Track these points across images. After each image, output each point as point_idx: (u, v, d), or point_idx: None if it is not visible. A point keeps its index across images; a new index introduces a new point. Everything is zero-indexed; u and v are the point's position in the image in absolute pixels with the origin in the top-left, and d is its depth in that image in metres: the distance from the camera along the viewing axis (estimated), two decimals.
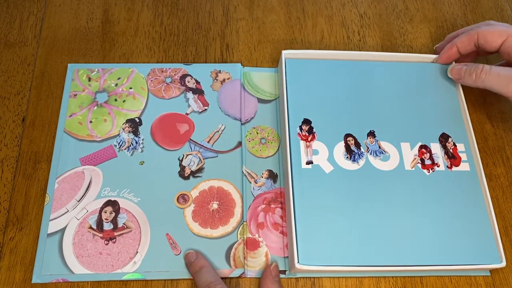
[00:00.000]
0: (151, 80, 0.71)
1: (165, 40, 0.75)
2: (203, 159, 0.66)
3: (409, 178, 0.63)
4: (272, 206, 0.63)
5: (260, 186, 0.65)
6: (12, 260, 0.59)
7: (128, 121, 0.68)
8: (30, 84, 0.70)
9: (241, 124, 0.69)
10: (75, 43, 0.74)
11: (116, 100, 0.69)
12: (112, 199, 0.63)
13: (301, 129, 0.64)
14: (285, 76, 0.67)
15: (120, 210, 0.62)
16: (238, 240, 0.61)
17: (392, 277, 0.60)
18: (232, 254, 0.60)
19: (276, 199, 0.64)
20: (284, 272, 0.60)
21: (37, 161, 0.65)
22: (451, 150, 0.65)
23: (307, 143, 0.64)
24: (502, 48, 0.63)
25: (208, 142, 0.67)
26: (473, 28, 0.65)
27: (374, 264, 0.57)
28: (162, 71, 0.72)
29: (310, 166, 0.62)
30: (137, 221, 0.61)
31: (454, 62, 0.69)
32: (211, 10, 0.78)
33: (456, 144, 0.65)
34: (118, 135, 0.67)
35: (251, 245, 0.61)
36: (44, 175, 0.64)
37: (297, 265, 0.56)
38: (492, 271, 0.61)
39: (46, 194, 0.62)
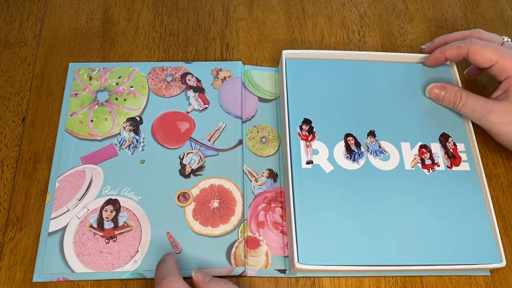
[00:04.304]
0: (152, 79, 0.70)
1: (165, 40, 0.74)
2: (204, 157, 0.65)
3: (409, 177, 0.62)
4: (273, 205, 0.63)
5: (261, 185, 0.64)
6: (12, 260, 0.58)
7: (128, 119, 0.67)
8: (30, 84, 0.69)
9: (242, 122, 0.68)
10: (75, 43, 0.73)
11: (117, 99, 0.68)
12: (113, 197, 0.62)
13: (301, 129, 0.64)
14: (286, 76, 0.67)
15: (121, 209, 0.61)
16: (239, 239, 0.60)
17: (392, 277, 0.59)
18: (233, 252, 0.59)
19: (277, 198, 0.63)
20: (284, 271, 0.59)
21: (37, 161, 0.64)
22: (451, 150, 0.64)
23: (307, 142, 0.63)
24: (489, 70, 0.63)
25: (208, 140, 0.66)
26: (465, 39, 0.64)
27: (374, 264, 0.56)
28: (163, 70, 0.71)
29: (310, 165, 0.61)
30: (138, 219, 0.60)
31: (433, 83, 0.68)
32: (211, 10, 0.77)
33: (456, 144, 0.64)
34: (119, 133, 0.66)
35: (252, 243, 0.60)
36: (44, 175, 0.63)
37: (297, 265, 0.55)
38: (492, 271, 0.60)
39: (47, 193, 0.61)
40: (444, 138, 0.65)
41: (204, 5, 0.78)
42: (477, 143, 0.66)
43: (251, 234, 0.61)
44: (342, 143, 0.63)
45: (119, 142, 0.65)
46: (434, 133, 0.65)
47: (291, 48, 0.74)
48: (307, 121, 0.64)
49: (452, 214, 0.60)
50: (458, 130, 0.65)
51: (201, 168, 0.64)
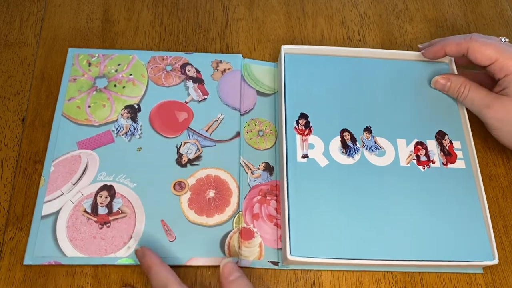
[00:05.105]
0: (152, 68, 0.68)
1: (165, 40, 0.72)
2: (201, 147, 0.63)
3: (404, 173, 0.60)
4: (268, 198, 0.61)
5: (257, 178, 0.62)
6: (12, 260, 0.56)
7: (127, 107, 0.65)
8: (30, 84, 0.67)
9: (240, 115, 0.66)
10: (75, 43, 0.71)
11: (115, 85, 0.66)
12: (108, 183, 0.59)
13: (297, 123, 0.62)
14: (284, 71, 0.66)
15: (116, 195, 0.58)
16: (233, 229, 0.58)
17: (392, 277, 0.58)
18: (227, 242, 0.58)
19: (272, 191, 0.62)
20: (277, 263, 0.57)
21: (37, 161, 0.61)
22: (447, 147, 0.63)
23: (303, 137, 0.62)
24: (488, 68, 0.62)
25: (206, 131, 0.64)
26: (465, 38, 0.63)
27: (366, 258, 0.55)
28: (163, 59, 0.69)
29: (305, 160, 0.60)
30: (132, 206, 0.58)
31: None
32: (211, 10, 0.76)
33: (453, 141, 0.63)
34: (116, 120, 0.63)
35: (246, 235, 0.59)
36: None
37: (289, 257, 0.54)
38: (492, 271, 0.59)
39: (42, 177, 0.59)
40: (440, 136, 0.63)
41: (204, 5, 0.77)
42: (477, 143, 0.65)
43: (245, 226, 0.59)
44: (338, 138, 0.62)
45: (116, 129, 0.63)
46: (431, 131, 0.64)
47: None
48: (304, 116, 0.63)
49: (446, 211, 0.58)
50: (455, 127, 0.64)
51: (198, 158, 0.62)
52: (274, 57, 0.72)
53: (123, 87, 0.66)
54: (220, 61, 0.70)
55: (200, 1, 0.77)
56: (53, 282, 0.55)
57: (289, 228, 0.56)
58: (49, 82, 0.67)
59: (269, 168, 0.63)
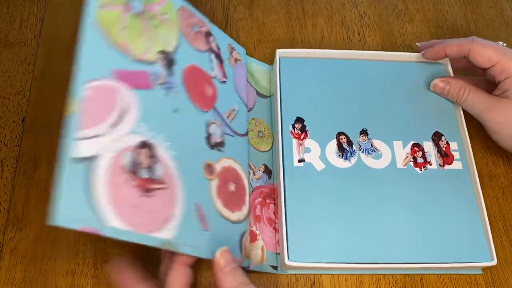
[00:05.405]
0: (182, 19, 0.52)
1: None
2: (223, 134, 0.53)
3: (401, 176, 0.60)
4: (267, 201, 0.57)
5: (258, 179, 0.57)
6: (12, 260, 0.54)
7: (162, 52, 0.48)
8: (30, 84, 0.65)
9: (247, 111, 0.59)
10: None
11: (150, 19, 0.48)
12: (149, 141, 0.42)
13: (293, 127, 0.60)
14: (279, 75, 0.62)
15: (158, 159, 0.42)
16: (247, 230, 0.52)
17: (392, 277, 0.57)
18: (243, 242, 0.52)
19: (271, 194, 0.58)
20: (276, 268, 0.55)
21: (37, 161, 0.59)
22: (444, 149, 0.63)
23: (300, 141, 0.59)
24: (488, 70, 0.61)
25: (227, 117, 0.55)
26: (466, 40, 0.62)
27: (363, 262, 0.54)
28: (191, 15, 0.54)
29: (302, 164, 0.58)
30: (174, 178, 0.43)
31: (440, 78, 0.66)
32: (211, 10, 0.71)
33: (449, 142, 0.64)
34: (153, 64, 0.46)
35: (251, 236, 0.55)
36: (44, 175, 0.58)
37: (287, 262, 0.52)
38: (492, 271, 0.60)
39: (71, 100, 0.38)
40: (437, 137, 0.64)
41: (204, 5, 0.71)
42: (477, 143, 0.67)
43: (250, 227, 0.54)
44: (334, 141, 0.60)
45: (153, 75, 0.46)
46: (427, 132, 0.64)
47: (291, 48, 0.68)
48: (299, 120, 0.60)
49: (443, 212, 0.59)
50: (451, 128, 0.65)
51: (222, 143, 0.52)
52: (274, 58, 0.67)
53: (157, 26, 0.48)
54: (234, 49, 0.61)
55: (200, 1, 0.72)
56: (53, 282, 0.53)
57: (286, 233, 0.54)
58: (49, 83, 0.65)
59: (267, 171, 0.59)
